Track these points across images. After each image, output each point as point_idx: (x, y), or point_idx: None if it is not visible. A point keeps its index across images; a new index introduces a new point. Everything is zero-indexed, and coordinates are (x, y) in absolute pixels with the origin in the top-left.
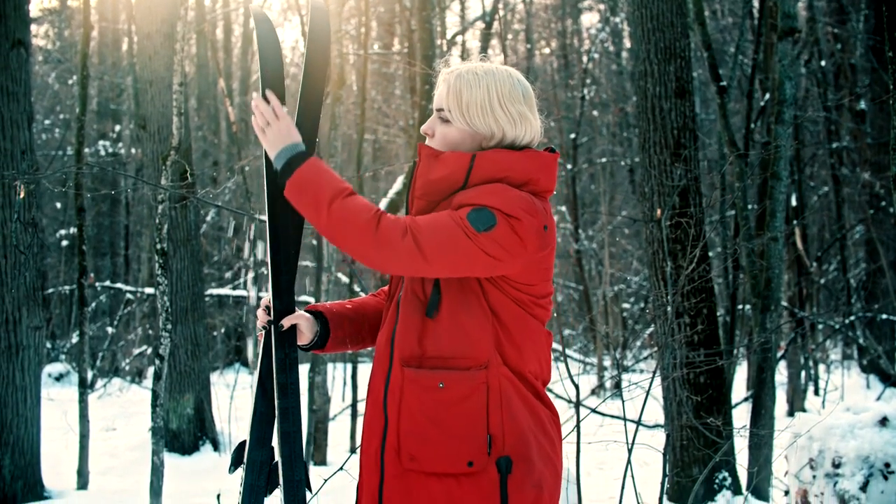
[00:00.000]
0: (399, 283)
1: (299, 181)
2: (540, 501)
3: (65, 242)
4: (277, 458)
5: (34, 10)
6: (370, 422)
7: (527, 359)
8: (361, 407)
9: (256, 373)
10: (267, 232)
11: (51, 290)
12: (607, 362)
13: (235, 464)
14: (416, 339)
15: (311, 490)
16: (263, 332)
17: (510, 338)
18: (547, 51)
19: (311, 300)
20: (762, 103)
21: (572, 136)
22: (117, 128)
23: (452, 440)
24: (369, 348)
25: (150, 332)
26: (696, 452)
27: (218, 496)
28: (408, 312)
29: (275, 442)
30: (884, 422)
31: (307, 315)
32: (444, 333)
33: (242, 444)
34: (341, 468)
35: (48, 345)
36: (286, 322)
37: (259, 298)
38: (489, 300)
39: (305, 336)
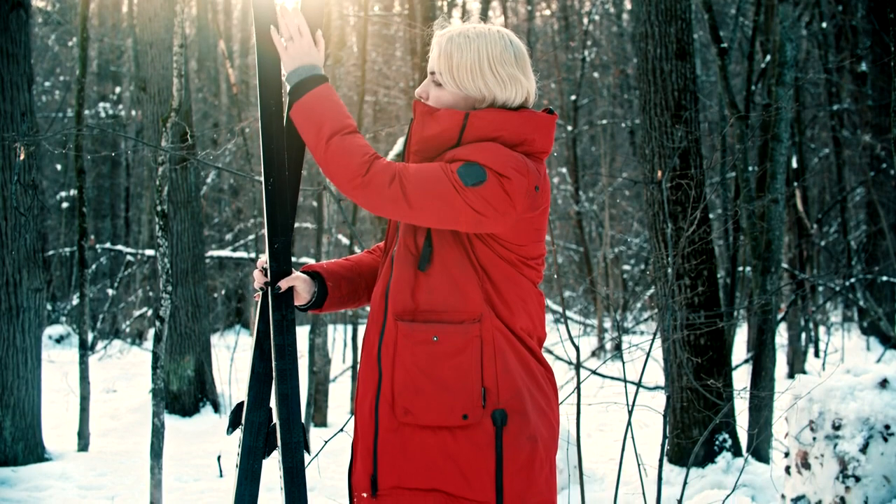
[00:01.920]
0: (394, 239)
1: (308, 105)
2: (535, 454)
3: (65, 204)
4: (275, 419)
5: None
6: (364, 376)
7: (517, 316)
8: None
9: (254, 334)
10: (263, 193)
11: (51, 252)
12: (607, 324)
13: (233, 425)
14: (410, 293)
15: (309, 452)
16: (261, 293)
17: (500, 295)
18: (547, 12)
19: (312, 261)
20: (763, 65)
21: (573, 97)
22: (117, 90)
23: (447, 393)
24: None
25: (151, 293)
26: (696, 414)
27: (218, 457)
28: (401, 267)
29: (273, 404)
30: (884, 384)
31: (304, 276)
32: (437, 287)
33: (240, 405)
34: (341, 430)
35: (48, 307)
36: (283, 284)
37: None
38: (478, 257)
39: (302, 297)
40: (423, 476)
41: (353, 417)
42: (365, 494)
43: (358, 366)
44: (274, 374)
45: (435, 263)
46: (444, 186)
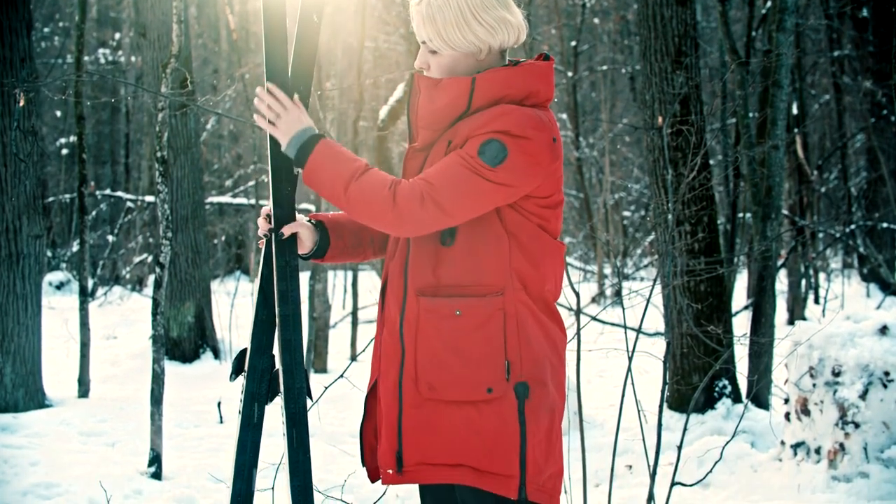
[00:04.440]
0: None
1: (315, 166)
2: (552, 425)
3: (65, 151)
4: (278, 366)
5: None
6: (388, 353)
7: (545, 276)
8: (362, 314)
9: (257, 280)
10: (266, 140)
11: (51, 199)
12: (607, 270)
13: (236, 371)
14: (431, 268)
15: (311, 398)
16: (264, 239)
17: (528, 256)
18: None
19: (312, 208)
20: (763, 11)
21: (573, 43)
22: (117, 36)
23: (471, 367)
24: (372, 260)
25: (151, 240)
26: (696, 360)
27: (219, 404)
28: (420, 241)
29: (276, 350)
30: (884, 330)
31: (308, 224)
32: (459, 261)
33: (243, 351)
34: (342, 376)
35: (49, 253)
36: (287, 230)
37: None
38: (506, 224)
39: (305, 245)
40: (449, 451)
41: (377, 393)
42: (390, 471)
43: (358, 312)
44: (277, 320)
45: (459, 237)
46: (472, 181)
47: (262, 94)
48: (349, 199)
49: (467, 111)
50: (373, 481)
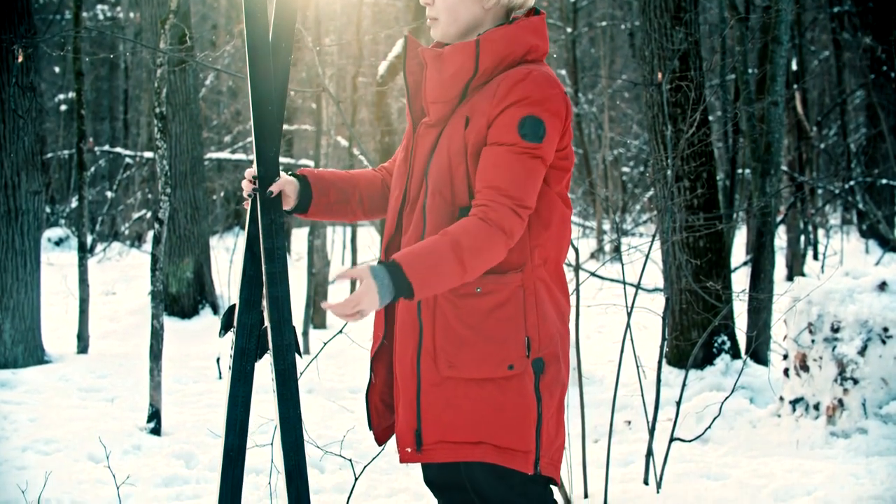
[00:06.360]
0: (420, 186)
1: (423, 289)
2: (562, 397)
3: (63, 107)
4: (267, 322)
5: None
6: (404, 330)
7: (561, 247)
8: None
9: (244, 238)
10: (249, 98)
11: (50, 155)
12: (606, 226)
13: (225, 327)
14: None
15: (300, 354)
16: (249, 200)
17: (546, 228)
18: None
19: (311, 164)
20: None
21: None
22: None
23: (493, 344)
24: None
25: (150, 196)
26: (695, 316)
27: (217, 359)
28: (437, 218)
29: (264, 306)
30: (882, 286)
31: (292, 179)
32: None
33: (232, 307)
34: (340, 331)
35: (47, 209)
36: (274, 188)
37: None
38: None
39: (290, 200)
40: (470, 429)
41: (393, 369)
42: (409, 449)
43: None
44: (264, 277)
45: None
46: (530, 166)
47: (333, 307)
48: (474, 270)
49: (475, 73)
50: (379, 444)
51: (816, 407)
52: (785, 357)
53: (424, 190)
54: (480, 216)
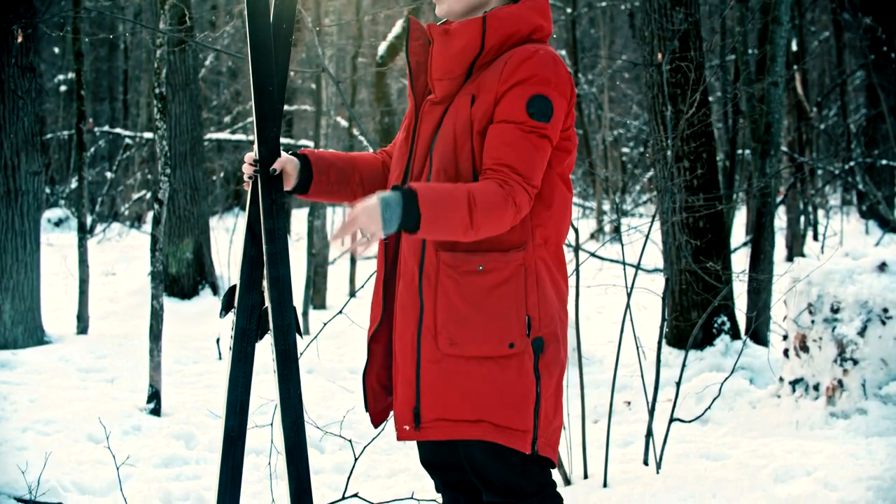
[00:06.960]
0: (424, 163)
1: (429, 223)
2: (560, 378)
3: (63, 87)
4: (267, 303)
5: None
6: (404, 307)
7: (561, 228)
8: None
9: (245, 219)
10: (250, 78)
11: (49, 136)
12: (606, 206)
13: (226, 308)
14: None
15: (301, 335)
16: (250, 181)
17: (547, 208)
18: None
19: (311, 144)
20: None
21: None
22: None
23: (494, 322)
24: None
25: (150, 176)
26: (694, 297)
27: (217, 340)
28: None
29: (265, 287)
30: (882, 267)
31: (293, 158)
32: None
33: (233, 288)
34: (340, 312)
35: (47, 190)
36: (276, 166)
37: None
38: None
39: (292, 178)
40: (469, 407)
41: (393, 346)
42: (407, 427)
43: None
44: (265, 258)
45: None
46: (538, 145)
47: (338, 237)
48: (479, 229)
49: (481, 51)
50: (375, 426)
51: (816, 388)
52: (785, 338)
53: (428, 168)
54: (499, 182)
